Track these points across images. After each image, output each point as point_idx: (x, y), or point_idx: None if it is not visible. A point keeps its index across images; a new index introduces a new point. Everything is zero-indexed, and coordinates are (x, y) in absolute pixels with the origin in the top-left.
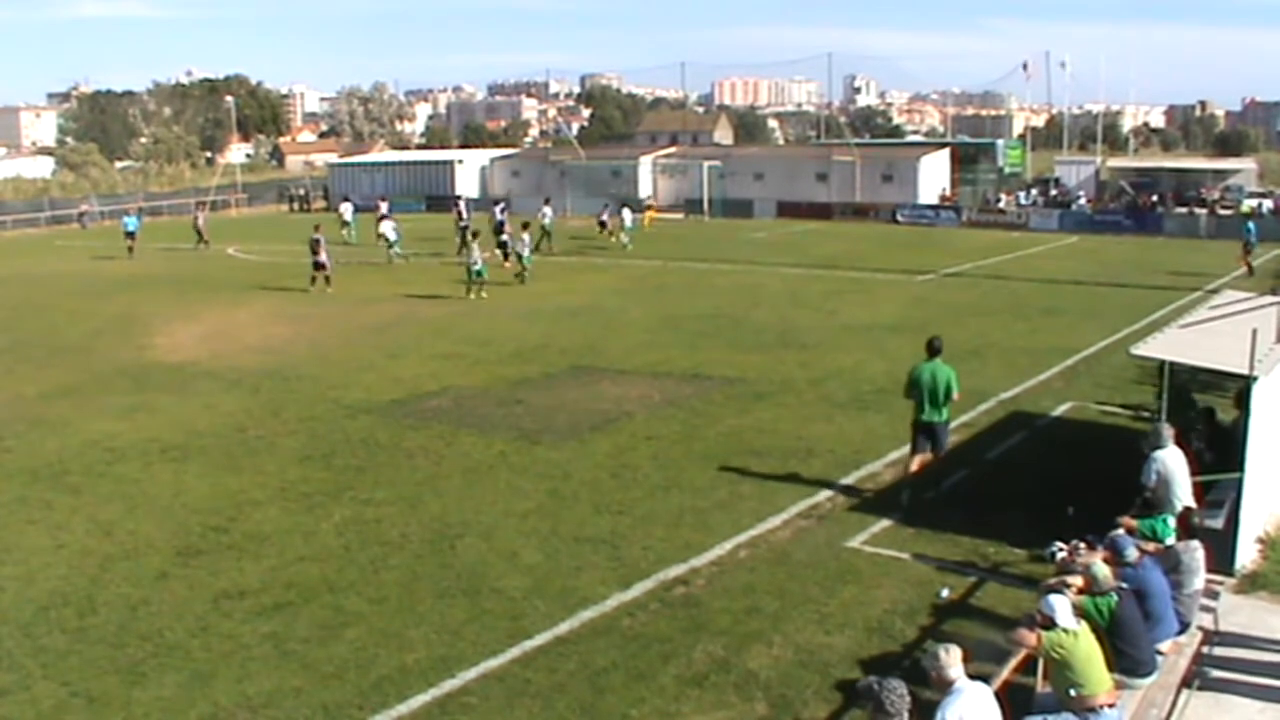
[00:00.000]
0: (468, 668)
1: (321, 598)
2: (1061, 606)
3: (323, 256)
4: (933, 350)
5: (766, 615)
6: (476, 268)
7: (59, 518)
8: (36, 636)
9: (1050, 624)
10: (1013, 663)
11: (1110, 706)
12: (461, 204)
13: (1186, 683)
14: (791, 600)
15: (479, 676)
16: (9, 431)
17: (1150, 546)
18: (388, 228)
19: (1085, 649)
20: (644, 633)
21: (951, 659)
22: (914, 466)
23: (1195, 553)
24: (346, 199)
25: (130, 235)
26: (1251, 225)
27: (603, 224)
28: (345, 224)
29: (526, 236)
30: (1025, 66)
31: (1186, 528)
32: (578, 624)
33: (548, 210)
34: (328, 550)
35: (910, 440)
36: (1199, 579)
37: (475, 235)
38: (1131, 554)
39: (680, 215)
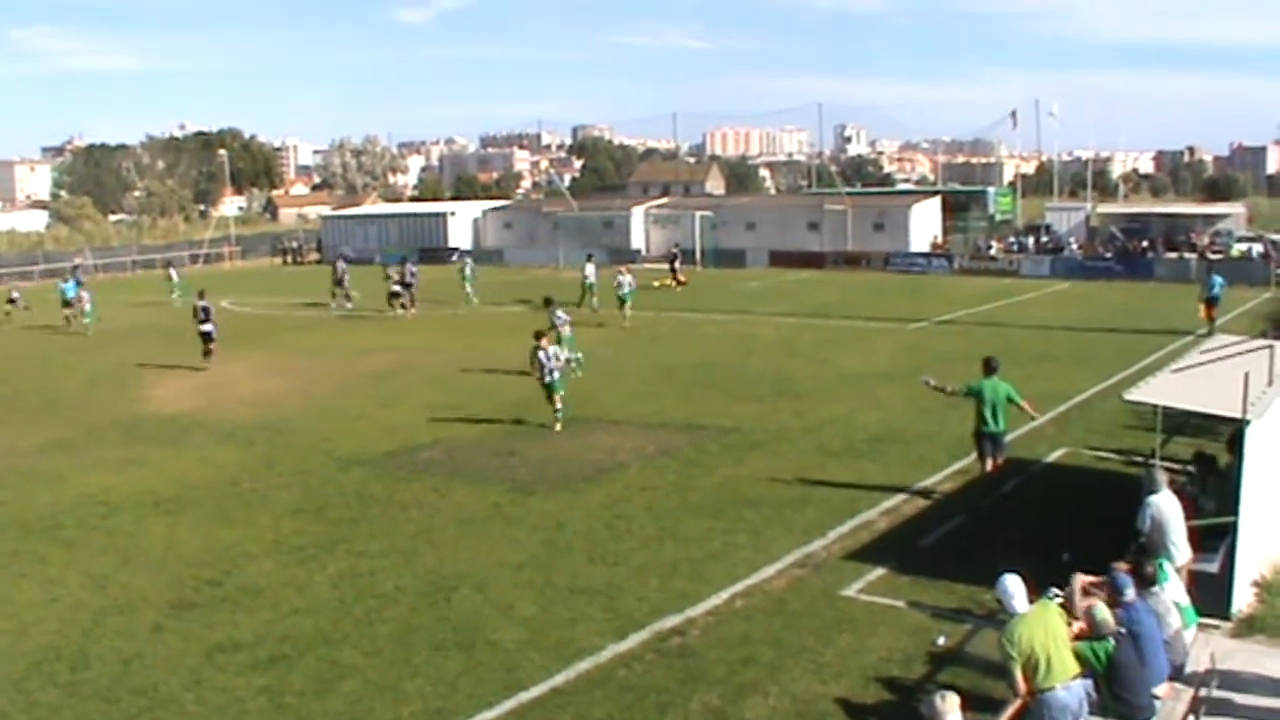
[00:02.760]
0: None
1: (316, 651)
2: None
3: (210, 326)
4: (990, 369)
5: (762, 665)
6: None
7: (52, 571)
8: (29, 691)
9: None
10: (1010, 710)
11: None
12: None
13: None
14: (787, 650)
15: None
16: (2, 484)
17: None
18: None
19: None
20: (640, 684)
21: (948, 706)
22: (989, 468)
23: (1159, 595)
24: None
25: (68, 304)
26: (1218, 279)
27: (674, 271)
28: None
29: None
30: (1014, 116)
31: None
32: (573, 675)
33: (590, 268)
34: (322, 603)
35: (977, 449)
36: (1173, 618)
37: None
38: (1130, 592)
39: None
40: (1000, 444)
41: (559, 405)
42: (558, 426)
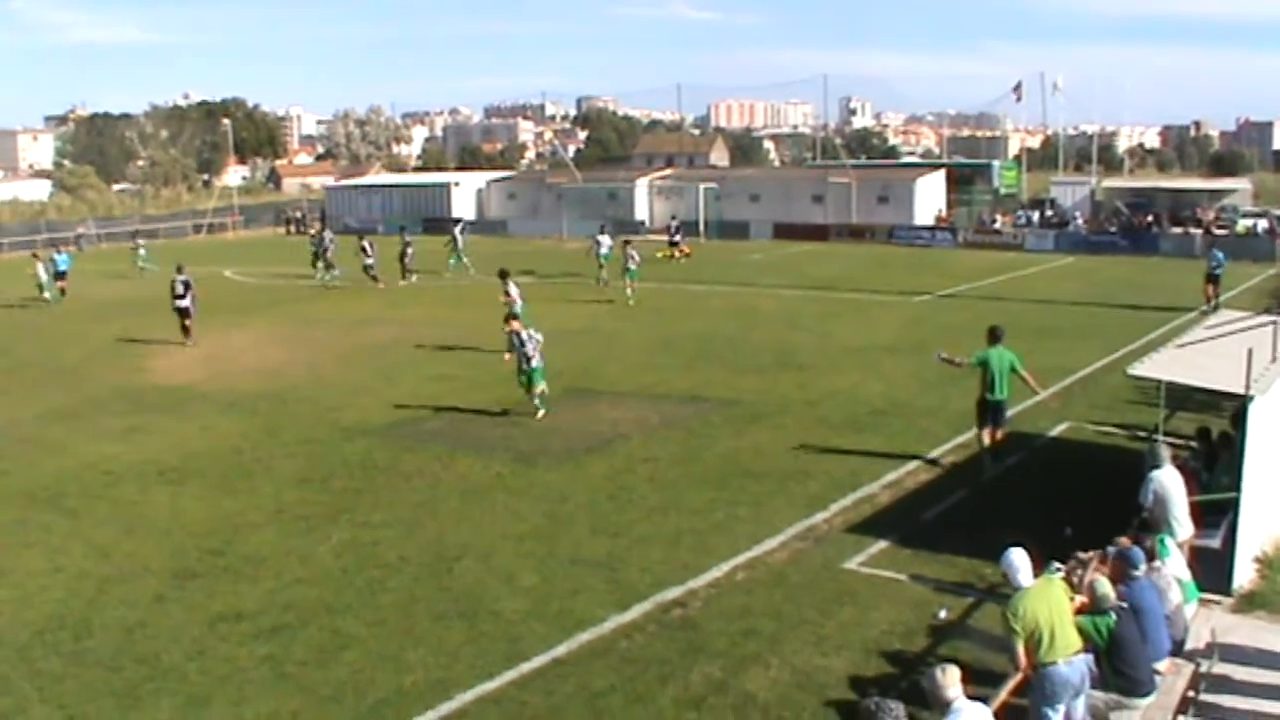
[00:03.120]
0: (465, 690)
1: (319, 620)
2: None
3: (188, 301)
4: (995, 337)
5: (764, 637)
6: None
7: (56, 540)
8: (33, 660)
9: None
10: (1010, 685)
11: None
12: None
13: (1185, 705)
14: (789, 622)
15: (476, 699)
16: (6, 454)
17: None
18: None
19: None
20: (641, 655)
21: (949, 679)
22: (986, 440)
23: (1160, 570)
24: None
25: (61, 275)
26: (1219, 254)
27: (674, 244)
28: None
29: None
30: (1018, 89)
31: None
32: (575, 646)
33: (604, 239)
34: (325, 573)
35: (977, 419)
36: (1174, 593)
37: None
38: (1143, 567)
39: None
40: (1002, 413)
41: (540, 393)
42: (539, 414)
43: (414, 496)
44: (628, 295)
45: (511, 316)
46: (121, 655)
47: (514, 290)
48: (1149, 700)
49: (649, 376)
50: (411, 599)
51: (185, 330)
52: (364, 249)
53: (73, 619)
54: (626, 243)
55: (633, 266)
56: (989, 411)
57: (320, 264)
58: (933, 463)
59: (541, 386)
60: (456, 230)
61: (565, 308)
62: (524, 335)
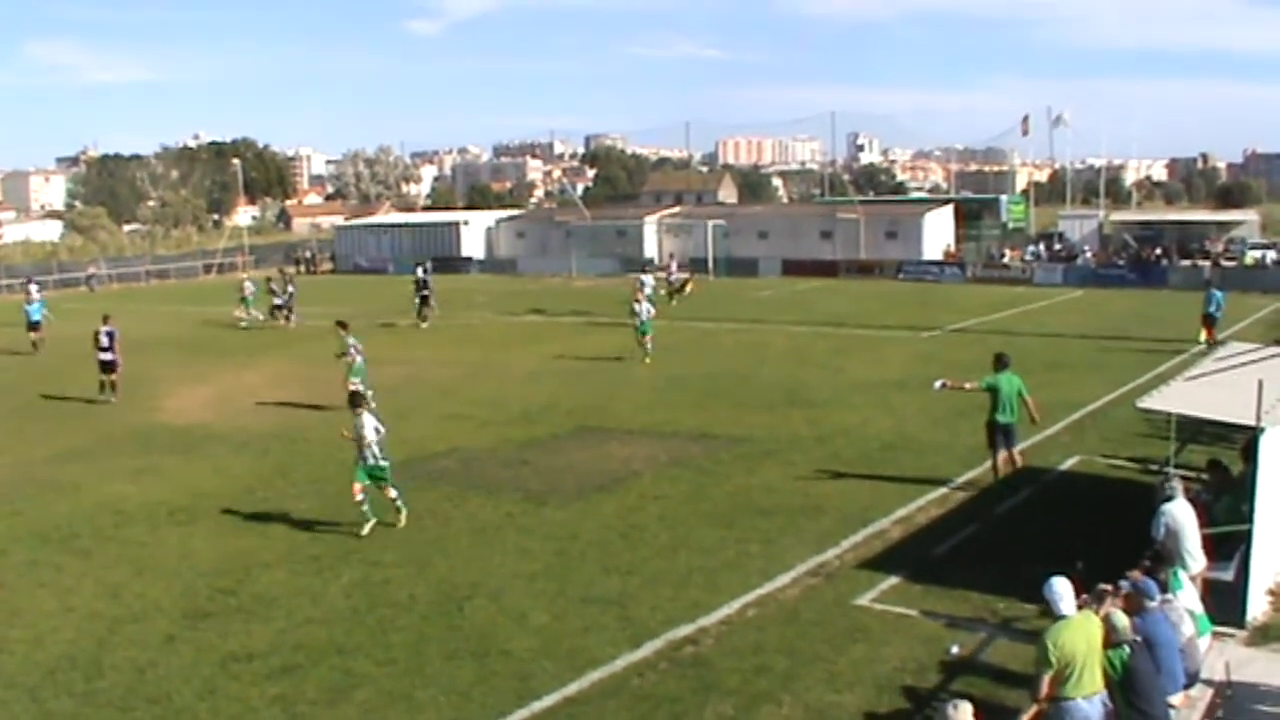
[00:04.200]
0: None
1: (330, 660)
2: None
3: (113, 354)
4: (1002, 363)
5: (776, 674)
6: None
7: (68, 581)
8: (43, 700)
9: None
10: (1025, 718)
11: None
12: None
13: None
14: (801, 659)
15: None
16: (18, 494)
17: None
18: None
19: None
20: (653, 693)
21: (961, 715)
22: (1001, 462)
23: (1173, 603)
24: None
25: (34, 326)
26: (1217, 294)
27: (670, 283)
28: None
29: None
30: (1025, 122)
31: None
32: (586, 684)
33: (648, 280)
34: (336, 612)
35: (989, 442)
36: (1187, 626)
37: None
38: (1157, 599)
39: (685, 275)
40: (1013, 435)
41: (394, 500)
42: (402, 518)
43: (424, 535)
44: (645, 350)
45: (350, 380)
46: (133, 695)
47: (353, 344)
48: None
49: (659, 414)
50: (422, 638)
51: (112, 386)
52: (273, 290)
53: (84, 659)
54: (637, 288)
55: (645, 320)
56: (999, 433)
57: (252, 309)
58: (938, 503)
59: (393, 493)
60: (420, 271)
61: (574, 346)
62: (365, 418)
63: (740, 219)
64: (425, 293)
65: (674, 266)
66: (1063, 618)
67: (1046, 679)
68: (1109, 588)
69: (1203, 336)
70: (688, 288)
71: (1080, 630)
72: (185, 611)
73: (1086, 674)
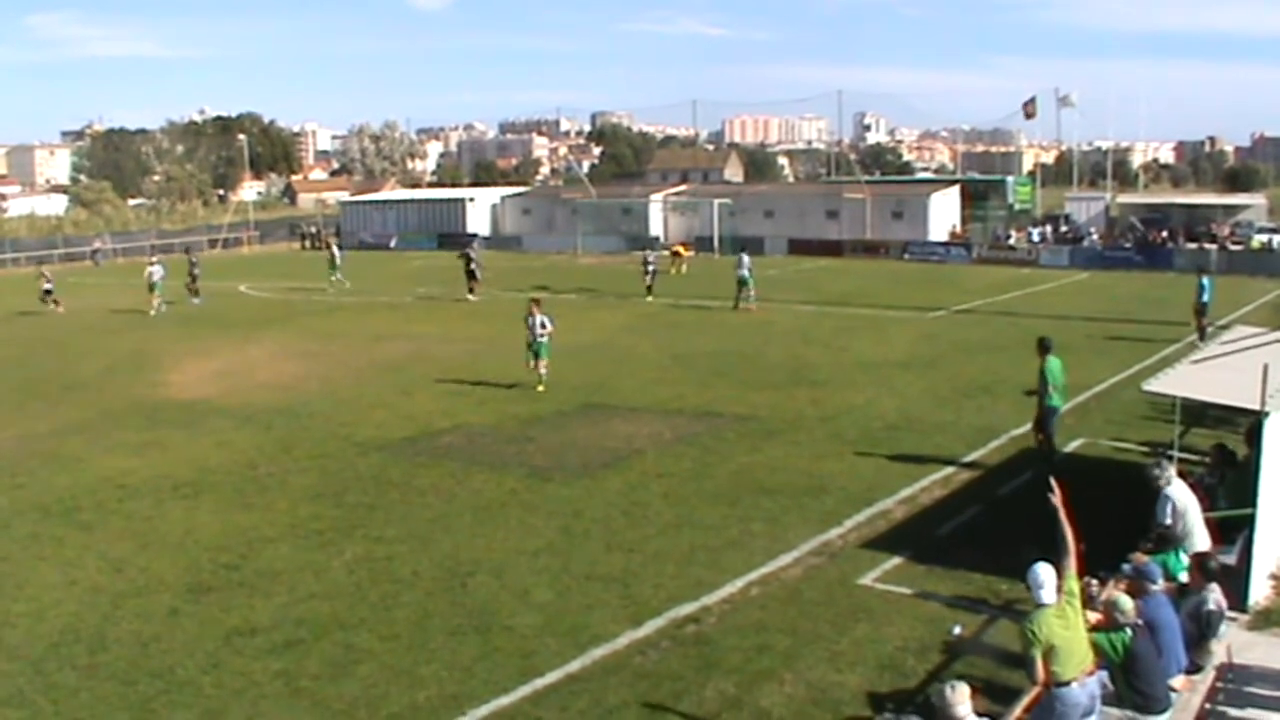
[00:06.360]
0: (479, 705)
1: (332, 635)
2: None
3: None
4: (1045, 347)
5: (778, 653)
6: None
7: (71, 554)
8: (47, 673)
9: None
10: (1023, 703)
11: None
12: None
13: None
14: (803, 638)
15: (490, 714)
16: (22, 468)
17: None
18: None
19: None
20: (655, 671)
21: (959, 697)
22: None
23: (1214, 593)
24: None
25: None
26: (1205, 281)
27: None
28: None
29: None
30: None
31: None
32: (589, 662)
33: (746, 258)
34: (339, 587)
35: (1046, 428)
36: (1223, 625)
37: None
38: (1160, 583)
39: (691, 253)
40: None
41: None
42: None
43: (428, 512)
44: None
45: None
46: (136, 669)
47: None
48: (1165, 717)
49: (663, 392)
50: (425, 614)
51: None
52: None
53: (87, 632)
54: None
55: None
56: (1052, 416)
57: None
58: (942, 483)
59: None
60: (334, 245)
61: (579, 323)
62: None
63: (746, 198)
64: (472, 268)
65: (652, 256)
66: (1042, 606)
67: (1039, 663)
68: (1095, 582)
69: (1194, 327)
70: (683, 268)
71: (1059, 615)
72: (189, 585)
73: (1073, 656)
